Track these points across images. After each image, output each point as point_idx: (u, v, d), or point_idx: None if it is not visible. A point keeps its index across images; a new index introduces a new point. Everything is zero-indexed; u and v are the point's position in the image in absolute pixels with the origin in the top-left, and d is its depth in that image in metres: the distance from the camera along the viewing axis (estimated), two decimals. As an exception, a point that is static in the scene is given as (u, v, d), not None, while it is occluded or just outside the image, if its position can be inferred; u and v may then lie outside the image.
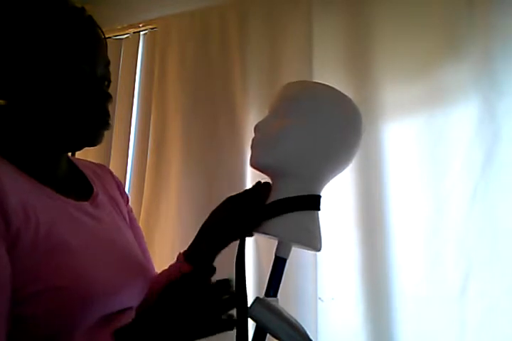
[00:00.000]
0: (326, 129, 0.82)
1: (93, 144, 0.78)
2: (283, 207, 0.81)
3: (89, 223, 0.78)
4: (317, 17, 1.65)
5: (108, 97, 0.77)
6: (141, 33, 2.03)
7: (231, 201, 0.95)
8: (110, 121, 0.79)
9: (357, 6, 1.61)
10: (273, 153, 0.82)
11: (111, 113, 0.79)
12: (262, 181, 0.89)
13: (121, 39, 2.06)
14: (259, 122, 0.86)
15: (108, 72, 0.80)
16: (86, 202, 0.81)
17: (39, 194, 0.71)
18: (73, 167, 0.88)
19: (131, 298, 0.79)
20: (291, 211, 0.81)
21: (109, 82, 0.81)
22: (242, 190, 0.97)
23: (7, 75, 0.71)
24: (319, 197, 0.84)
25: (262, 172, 0.87)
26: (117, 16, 2.08)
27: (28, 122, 0.73)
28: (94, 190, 0.86)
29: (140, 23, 2.01)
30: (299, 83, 0.90)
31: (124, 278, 0.77)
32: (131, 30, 2.03)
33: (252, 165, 0.85)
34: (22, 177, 0.70)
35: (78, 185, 0.84)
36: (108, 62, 0.80)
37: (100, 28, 0.79)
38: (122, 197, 0.96)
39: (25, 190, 0.68)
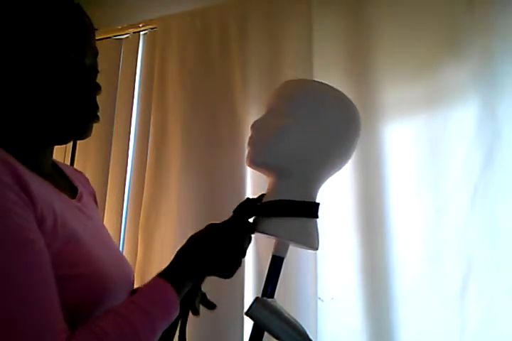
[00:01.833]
0: (323, 128, 0.82)
1: (81, 137, 0.76)
2: (280, 210, 0.82)
3: (84, 219, 0.79)
4: (317, 17, 1.65)
5: (97, 88, 0.75)
6: (141, 33, 2.03)
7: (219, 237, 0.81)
8: (99, 114, 0.76)
9: (357, 6, 1.61)
10: (270, 151, 0.82)
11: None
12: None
13: (121, 39, 2.06)
14: (256, 121, 0.87)
15: (96, 63, 0.78)
16: (74, 200, 0.81)
17: (44, 187, 0.71)
18: (54, 166, 0.87)
19: (127, 291, 0.80)
20: (288, 216, 0.81)
21: (97, 72, 0.79)
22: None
23: None
24: (318, 204, 0.84)
25: (259, 170, 0.87)
26: (117, 16, 2.08)
27: (14, 112, 0.71)
28: (79, 190, 0.85)
29: (140, 23, 2.01)
30: (297, 82, 0.90)
31: (121, 272, 0.79)
32: (131, 30, 2.03)
33: (248, 163, 0.85)
34: (27, 170, 0.68)
35: (63, 184, 0.83)
36: (96, 53, 0.78)
37: (89, 18, 0.76)
38: (96, 207, 0.96)
39: (34, 180, 0.68)
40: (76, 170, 0.97)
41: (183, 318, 0.81)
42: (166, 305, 0.68)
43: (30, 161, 0.72)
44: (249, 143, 0.86)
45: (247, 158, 0.85)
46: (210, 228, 0.81)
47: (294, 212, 0.82)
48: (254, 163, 0.85)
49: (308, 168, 0.83)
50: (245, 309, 0.75)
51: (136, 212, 1.85)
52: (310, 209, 0.83)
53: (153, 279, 0.71)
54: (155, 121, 1.87)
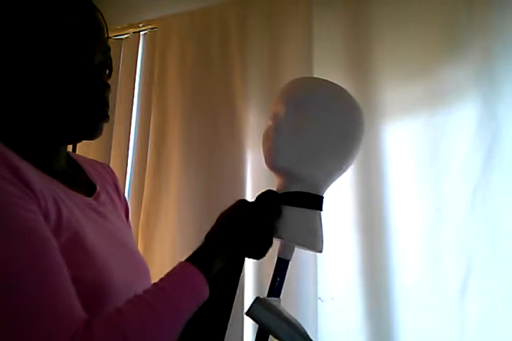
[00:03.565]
0: (340, 131, 0.83)
1: (91, 137, 0.74)
2: (292, 199, 0.82)
3: (98, 219, 0.76)
4: (317, 17, 1.65)
5: (105, 87, 0.72)
6: (141, 33, 2.03)
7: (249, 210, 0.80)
8: (109, 113, 0.74)
9: (357, 6, 1.61)
10: (293, 156, 0.81)
11: (111, 112, 0.76)
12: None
13: (121, 39, 2.06)
14: (278, 121, 0.83)
15: (108, 59, 0.74)
16: (90, 198, 0.78)
17: (50, 184, 0.69)
18: (72, 162, 0.84)
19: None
20: (298, 206, 0.81)
21: (110, 69, 0.75)
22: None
23: None
24: (322, 197, 0.85)
25: (275, 172, 0.86)
26: (117, 16, 2.07)
27: (23, 112, 0.69)
28: (97, 187, 0.82)
29: (140, 23, 2.01)
30: (314, 82, 0.90)
31: (133, 275, 0.77)
32: (131, 30, 2.03)
33: (269, 165, 0.84)
34: (31, 167, 0.67)
35: (78, 181, 0.81)
36: (108, 49, 0.74)
37: (100, 12, 0.73)
38: (120, 200, 0.92)
39: (38, 178, 0.66)
40: (98, 162, 0.93)
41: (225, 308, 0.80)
42: (190, 286, 0.66)
43: (40, 160, 0.71)
44: (270, 144, 0.83)
45: (269, 159, 0.84)
46: (239, 205, 0.79)
47: (297, 202, 0.81)
48: (275, 166, 0.84)
49: (322, 171, 0.84)
50: (245, 309, 0.75)
51: (136, 211, 1.85)
52: (318, 202, 0.83)
53: (179, 262, 0.70)
54: (155, 121, 1.88)
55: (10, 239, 0.58)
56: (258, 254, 0.79)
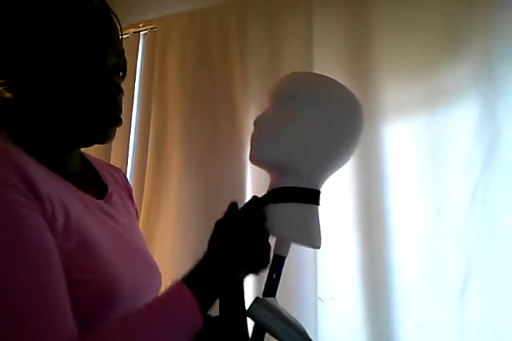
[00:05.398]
0: (328, 125, 0.80)
1: (102, 142, 0.73)
2: (280, 196, 0.79)
3: (109, 221, 0.75)
4: (317, 17, 1.65)
5: (118, 90, 0.71)
6: (141, 33, 2.03)
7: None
8: (122, 117, 0.73)
9: (357, 6, 1.61)
10: (273, 148, 0.79)
11: None
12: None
13: (121, 39, 2.06)
14: (260, 116, 0.83)
15: (122, 62, 0.74)
16: (101, 201, 0.77)
17: (61, 186, 0.69)
18: (86, 164, 0.84)
19: (149, 298, 0.78)
20: (289, 201, 0.79)
21: (124, 72, 0.74)
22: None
23: (11, 68, 0.66)
24: (319, 192, 0.82)
25: (261, 167, 0.85)
26: (117, 16, 2.07)
27: (35, 116, 0.69)
28: (109, 189, 0.82)
29: (140, 23, 2.01)
30: (302, 75, 0.88)
31: (145, 278, 0.77)
32: (131, 30, 2.03)
33: (251, 160, 0.83)
34: (42, 169, 0.67)
35: (91, 183, 0.80)
36: (121, 51, 0.73)
37: (114, 14, 0.72)
38: (132, 204, 0.92)
39: (48, 181, 0.65)
40: (111, 166, 0.94)
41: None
42: (182, 312, 0.65)
43: (53, 161, 0.70)
44: (252, 140, 0.83)
45: (250, 154, 0.82)
46: (224, 225, 0.75)
47: (292, 197, 0.79)
48: (257, 160, 0.82)
49: (312, 165, 0.81)
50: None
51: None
52: (310, 195, 0.81)
53: (174, 286, 0.67)
54: (155, 121, 1.88)
55: (11, 249, 0.57)
56: (256, 269, 0.76)
